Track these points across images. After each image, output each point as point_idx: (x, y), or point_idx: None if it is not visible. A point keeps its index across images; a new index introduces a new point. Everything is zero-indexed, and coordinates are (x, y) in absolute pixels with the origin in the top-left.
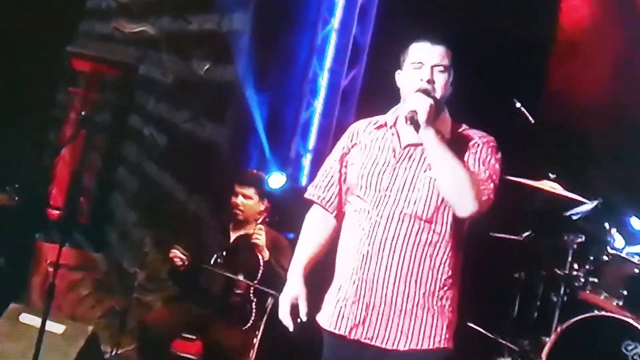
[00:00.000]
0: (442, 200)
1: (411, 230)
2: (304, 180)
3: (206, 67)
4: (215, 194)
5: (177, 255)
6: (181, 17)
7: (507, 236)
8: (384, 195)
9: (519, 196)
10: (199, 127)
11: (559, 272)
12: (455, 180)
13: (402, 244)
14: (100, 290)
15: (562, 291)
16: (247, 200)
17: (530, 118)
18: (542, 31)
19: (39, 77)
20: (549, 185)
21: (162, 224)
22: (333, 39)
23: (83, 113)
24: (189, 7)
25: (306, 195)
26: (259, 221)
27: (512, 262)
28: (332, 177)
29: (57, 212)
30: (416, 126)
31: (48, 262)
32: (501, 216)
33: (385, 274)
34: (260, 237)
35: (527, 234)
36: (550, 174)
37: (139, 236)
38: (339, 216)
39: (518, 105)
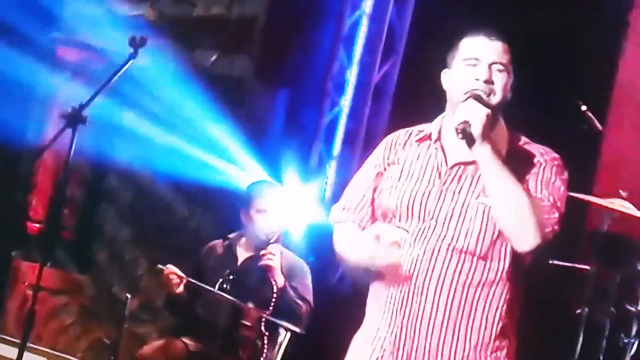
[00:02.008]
0: (499, 232)
1: (461, 268)
2: (327, 193)
3: (213, 59)
4: (222, 207)
5: (173, 272)
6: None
7: (569, 264)
8: (428, 225)
9: (583, 216)
10: (203, 127)
11: (630, 308)
12: (516, 209)
13: (451, 285)
14: (86, 319)
15: (633, 332)
16: (277, 217)
17: (598, 124)
18: (614, 21)
19: (19, 67)
20: (620, 204)
21: (160, 242)
22: (364, 25)
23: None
24: None
25: (331, 218)
26: (272, 240)
27: (574, 295)
28: (363, 197)
29: (37, 225)
30: (469, 140)
31: (26, 284)
32: (562, 240)
33: (429, 320)
34: (274, 259)
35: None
36: (621, 191)
37: (132, 256)
38: None
39: (584, 108)
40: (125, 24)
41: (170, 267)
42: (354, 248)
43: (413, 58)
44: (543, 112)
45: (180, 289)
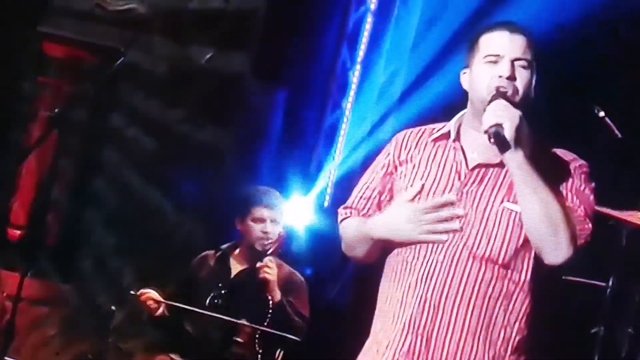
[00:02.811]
0: (524, 240)
1: (482, 277)
2: (327, 200)
3: (208, 56)
4: (214, 214)
5: (149, 297)
6: None
7: (584, 281)
8: None
9: (601, 230)
10: (197, 129)
11: None
12: (549, 219)
13: (471, 295)
14: (68, 331)
15: None
16: (277, 226)
17: (617, 132)
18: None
19: (1, 64)
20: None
21: (148, 251)
22: (369, 22)
23: (55, 109)
24: None
25: (339, 219)
26: (269, 252)
27: (589, 313)
28: (371, 198)
29: (19, 232)
30: (502, 145)
31: (5, 294)
32: (577, 255)
33: (447, 329)
34: (270, 272)
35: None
36: None
37: (119, 265)
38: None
39: (602, 114)
40: (115, 17)
41: (146, 292)
42: (375, 223)
43: (420, 57)
44: (558, 116)
45: (160, 311)
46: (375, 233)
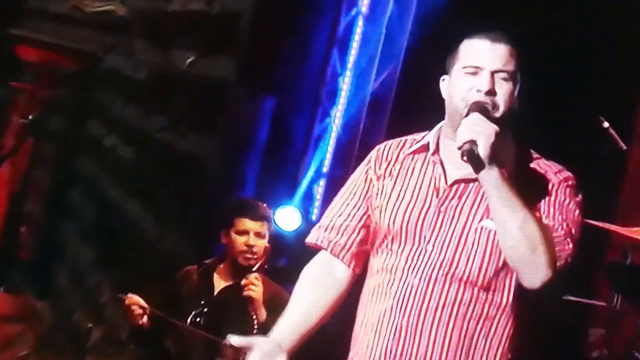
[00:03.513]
0: (505, 260)
1: (461, 300)
2: (314, 215)
3: (191, 60)
4: (197, 228)
5: (135, 302)
6: None
7: (586, 301)
8: (424, 250)
9: (604, 247)
10: (179, 138)
11: None
12: (525, 240)
13: (449, 318)
14: (43, 350)
15: None
16: (262, 240)
17: (622, 143)
18: None
19: None
20: None
21: (126, 266)
22: (360, 27)
23: (29, 116)
24: None
25: (309, 240)
26: (254, 267)
27: (590, 335)
28: (350, 216)
29: None
30: (475, 163)
31: None
32: (578, 273)
33: (425, 357)
34: (256, 290)
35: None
36: None
37: (96, 281)
38: (355, 271)
39: (606, 125)
40: (93, 20)
41: (133, 297)
42: (295, 298)
43: (416, 65)
44: (560, 127)
45: (144, 320)
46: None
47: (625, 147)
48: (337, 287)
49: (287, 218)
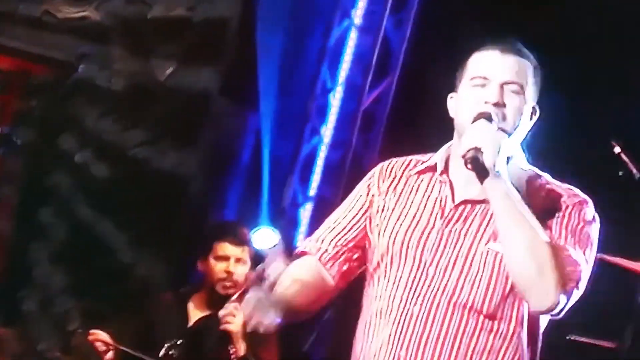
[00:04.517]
0: (512, 286)
1: (464, 329)
2: (300, 239)
3: (170, 70)
4: (174, 252)
5: (98, 339)
6: None
7: (594, 341)
8: (426, 275)
9: (615, 283)
10: (156, 154)
11: None
12: (533, 258)
13: (452, 350)
14: None
15: None
16: (243, 266)
17: (635, 170)
18: None
19: None
20: None
21: (98, 292)
22: (352, 39)
23: None
24: None
25: (298, 250)
26: (234, 297)
27: None
28: (343, 231)
29: None
30: (480, 171)
31: None
32: (587, 311)
33: None
34: (235, 321)
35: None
36: None
37: (65, 307)
38: (339, 285)
39: (617, 150)
40: (67, 26)
41: (96, 333)
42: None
43: (413, 80)
44: (573, 152)
45: (110, 356)
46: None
47: (639, 175)
48: (321, 286)
49: (263, 239)
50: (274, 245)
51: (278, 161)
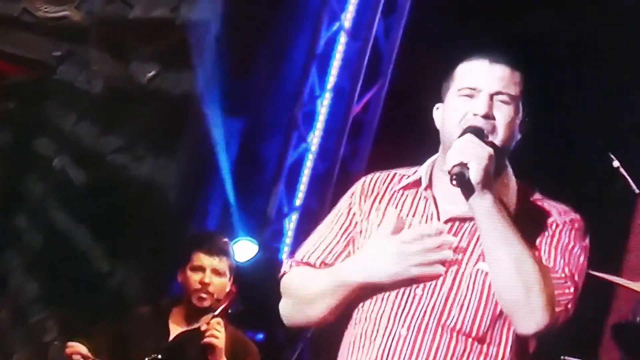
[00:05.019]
0: (502, 308)
1: (453, 353)
2: (285, 252)
3: (151, 74)
4: (153, 263)
5: (76, 351)
6: None
7: None
8: (412, 295)
9: (611, 303)
10: (135, 160)
11: None
12: (520, 279)
13: None
14: None
15: None
16: (220, 278)
17: (635, 186)
18: None
19: None
20: None
21: (73, 303)
22: (342, 43)
23: None
24: None
25: (282, 271)
26: (217, 312)
27: None
28: (326, 250)
29: None
30: (465, 188)
31: None
32: (580, 332)
33: None
34: (217, 336)
35: None
36: None
37: (39, 319)
38: None
39: (616, 164)
40: (45, 26)
41: (74, 345)
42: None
43: (404, 86)
44: (566, 166)
45: None
46: (350, 277)
47: (638, 190)
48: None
49: (241, 250)
50: (253, 258)
51: (263, 169)
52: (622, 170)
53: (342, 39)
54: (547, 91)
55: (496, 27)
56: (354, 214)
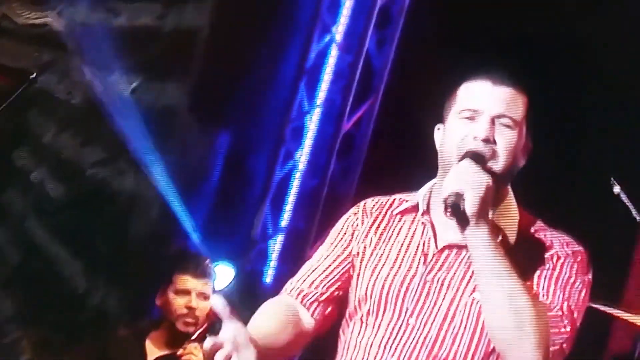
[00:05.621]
0: None
1: None
2: (269, 276)
3: (134, 85)
4: (132, 283)
5: None
6: (103, 5)
7: None
8: (405, 325)
9: (609, 335)
10: (115, 174)
11: None
12: (511, 317)
13: None
14: None
15: None
16: (205, 302)
17: (636, 213)
18: None
19: None
20: None
21: (50, 323)
22: (333, 57)
23: None
24: None
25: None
26: (194, 336)
27: None
28: (327, 271)
29: None
30: (460, 219)
31: None
32: None
33: None
34: None
35: None
36: None
37: (15, 338)
38: (319, 329)
39: (617, 190)
40: (26, 33)
41: None
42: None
43: (398, 102)
44: (566, 191)
45: None
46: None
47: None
48: (299, 328)
49: (219, 275)
50: (229, 284)
51: (248, 186)
52: (623, 196)
53: (334, 51)
54: (552, 114)
55: (499, 42)
56: (356, 236)
